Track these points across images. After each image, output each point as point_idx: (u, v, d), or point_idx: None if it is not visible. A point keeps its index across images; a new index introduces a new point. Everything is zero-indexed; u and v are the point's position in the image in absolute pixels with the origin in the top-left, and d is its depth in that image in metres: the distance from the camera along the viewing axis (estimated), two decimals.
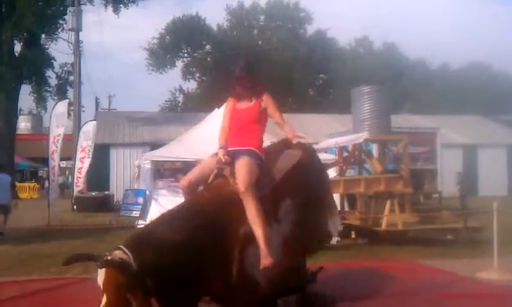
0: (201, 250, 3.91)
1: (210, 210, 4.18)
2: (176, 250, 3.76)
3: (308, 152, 4.94)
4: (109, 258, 3.51)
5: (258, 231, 4.09)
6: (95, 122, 21.23)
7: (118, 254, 3.54)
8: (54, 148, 15.45)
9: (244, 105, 4.64)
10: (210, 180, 4.47)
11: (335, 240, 10.68)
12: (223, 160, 4.39)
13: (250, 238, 4.14)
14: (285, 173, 4.53)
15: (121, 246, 3.61)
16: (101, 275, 3.49)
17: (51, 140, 15.43)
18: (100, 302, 3.42)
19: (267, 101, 4.60)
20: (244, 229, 4.17)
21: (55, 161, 15.68)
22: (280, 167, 4.58)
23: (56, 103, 17.53)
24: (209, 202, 4.30)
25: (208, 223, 4.07)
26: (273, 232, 4.20)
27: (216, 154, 4.50)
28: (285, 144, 4.88)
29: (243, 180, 4.21)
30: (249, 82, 4.60)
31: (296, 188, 4.48)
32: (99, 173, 24.79)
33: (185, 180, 4.59)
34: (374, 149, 14.45)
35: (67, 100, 18.36)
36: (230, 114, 4.67)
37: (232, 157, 4.42)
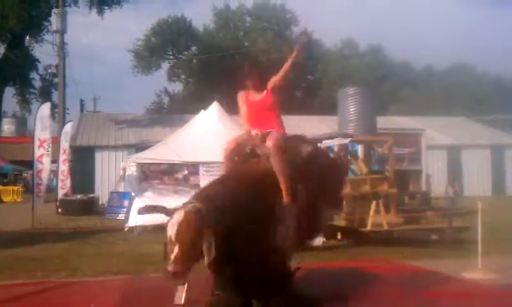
0: (252, 207, 4.44)
1: (249, 179, 4.77)
2: (237, 202, 4.33)
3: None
4: (187, 207, 4.11)
5: (282, 183, 4.70)
6: (71, 123, 21.29)
7: (191, 205, 4.13)
8: (43, 151, 15.26)
9: (257, 97, 5.23)
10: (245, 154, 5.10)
11: (320, 240, 10.72)
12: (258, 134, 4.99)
13: (283, 211, 4.65)
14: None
15: (192, 200, 4.24)
16: (176, 221, 4.01)
17: (36, 143, 15.23)
18: (171, 251, 3.91)
19: (270, 84, 5.25)
20: (278, 201, 4.67)
21: (43, 164, 15.46)
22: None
23: (40, 106, 17.40)
24: (248, 173, 4.92)
25: (251, 189, 4.62)
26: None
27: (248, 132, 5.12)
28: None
29: (274, 137, 4.87)
30: (258, 77, 5.29)
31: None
32: (84, 175, 24.62)
33: (231, 144, 5.15)
34: (360, 150, 14.50)
35: (49, 103, 18.18)
36: (246, 106, 5.26)
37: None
